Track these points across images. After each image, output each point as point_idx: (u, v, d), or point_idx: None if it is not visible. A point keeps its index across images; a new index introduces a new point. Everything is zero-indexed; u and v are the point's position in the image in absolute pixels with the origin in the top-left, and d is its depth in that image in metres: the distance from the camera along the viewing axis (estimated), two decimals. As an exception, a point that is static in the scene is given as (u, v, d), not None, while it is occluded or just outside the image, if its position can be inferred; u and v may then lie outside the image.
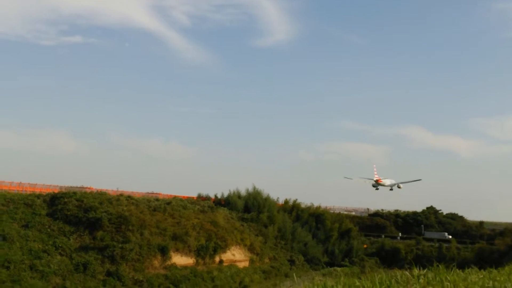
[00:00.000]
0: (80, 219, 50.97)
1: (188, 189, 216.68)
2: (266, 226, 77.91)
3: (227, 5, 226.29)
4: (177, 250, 55.96)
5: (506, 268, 17.93)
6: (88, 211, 51.93)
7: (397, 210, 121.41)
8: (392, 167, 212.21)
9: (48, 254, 44.69)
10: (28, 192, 57.55)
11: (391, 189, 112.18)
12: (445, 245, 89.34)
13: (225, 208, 77.60)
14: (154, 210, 61.04)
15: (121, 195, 63.49)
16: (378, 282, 12.19)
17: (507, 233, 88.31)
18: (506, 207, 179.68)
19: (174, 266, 53.86)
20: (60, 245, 46.65)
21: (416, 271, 13.78)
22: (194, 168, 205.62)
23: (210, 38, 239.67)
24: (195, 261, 57.85)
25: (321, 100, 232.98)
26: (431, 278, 12.69)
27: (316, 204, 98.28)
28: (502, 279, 13.44)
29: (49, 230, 48.33)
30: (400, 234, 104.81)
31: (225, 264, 61.63)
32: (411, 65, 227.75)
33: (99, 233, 50.35)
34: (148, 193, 79.42)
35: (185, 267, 55.21)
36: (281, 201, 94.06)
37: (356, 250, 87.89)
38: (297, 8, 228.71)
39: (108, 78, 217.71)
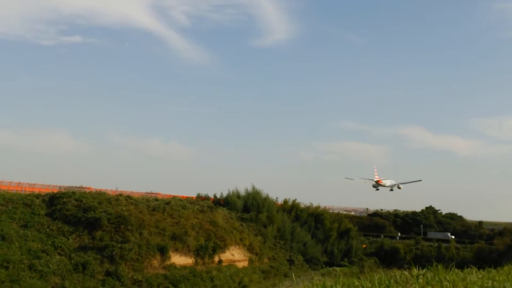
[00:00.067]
0: (79, 219, 50.91)
1: (187, 189, 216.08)
2: (265, 226, 77.88)
3: (226, 5, 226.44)
4: (176, 250, 55.92)
5: (505, 268, 17.93)
6: (87, 211, 51.87)
7: (396, 210, 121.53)
8: (392, 167, 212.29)
9: (47, 254, 44.62)
10: (27, 192, 57.46)
11: (391, 190, 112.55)
12: (444, 245, 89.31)
13: (224, 208, 77.55)
14: (153, 210, 61.01)
15: (120, 195, 63.40)
16: (377, 282, 12.20)
17: (506, 233, 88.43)
18: (505, 207, 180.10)
19: (173, 266, 53.81)
20: (59, 245, 46.59)
21: (415, 271, 13.80)
22: (194, 168, 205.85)
23: (210, 38, 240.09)
24: (194, 261, 57.81)
25: (321, 100, 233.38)
26: (430, 278, 12.69)
27: (315, 204, 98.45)
28: (501, 278, 13.45)
29: (48, 230, 48.27)
30: (399, 234, 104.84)
31: (224, 264, 61.60)
32: (411, 65, 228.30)
33: (98, 233, 50.30)
34: (147, 193, 79.32)
35: (184, 267, 55.17)
36: (280, 201, 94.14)
37: (355, 250, 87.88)
38: (296, 8, 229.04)
39: (108, 78, 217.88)
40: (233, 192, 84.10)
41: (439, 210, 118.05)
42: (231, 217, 75.01)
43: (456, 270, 14.58)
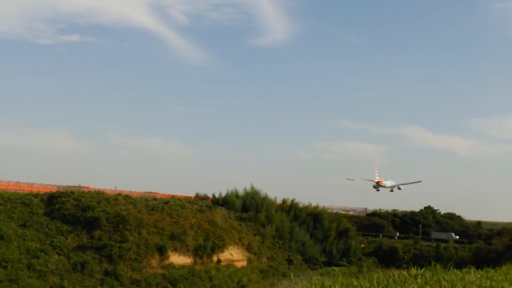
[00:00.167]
0: (78, 218, 50.85)
1: (187, 189, 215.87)
2: (264, 226, 77.89)
3: (225, 4, 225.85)
4: (175, 250, 55.91)
5: (504, 267, 17.99)
6: (86, 210, 51.82)
7: (395, 210, 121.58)
8: (392, 167, 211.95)
9: (46, 254, 44.54)
10: (26, 191, 57.40)
11: (392, 190, 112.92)
12: (442, 244, 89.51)
13: (223, 208, 77.57)
14: (152, 209, 60.98)
15: (119, 194, 63.39)
16: (376, 282, 12.19)
17: (505, 233, 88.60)
18: (504, 206, 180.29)
19: (172, 265, 53.79)
20: (57, 245, 46.50)
21: (413, 270, 13.79)
22: (194, 168, 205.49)
23: (208, 37, 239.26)
24: (193, 260, 57.80)
25: (320, 100, 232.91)
26: (428, 278, 12.69)
27: (314, 204, 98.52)
28: (499, 278, 13.49)
29: (46, 229, 48.20)
30: (397, 233, 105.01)
31: (223, 263, 61.59)
32: (410, 65, 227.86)
33: (97, 233, 50.24)
34: (146, 192, 79.32)
35: (183, 267, 55.15)
36: (279, 200, 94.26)
37: (354, 250, 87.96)
38: (295, 7, 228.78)
39: (107, 77, 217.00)
40: (231, 192, 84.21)
41: (438, 210, 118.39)
42: (229, 217, 75.03)
43: (455, 270, 14.59)
